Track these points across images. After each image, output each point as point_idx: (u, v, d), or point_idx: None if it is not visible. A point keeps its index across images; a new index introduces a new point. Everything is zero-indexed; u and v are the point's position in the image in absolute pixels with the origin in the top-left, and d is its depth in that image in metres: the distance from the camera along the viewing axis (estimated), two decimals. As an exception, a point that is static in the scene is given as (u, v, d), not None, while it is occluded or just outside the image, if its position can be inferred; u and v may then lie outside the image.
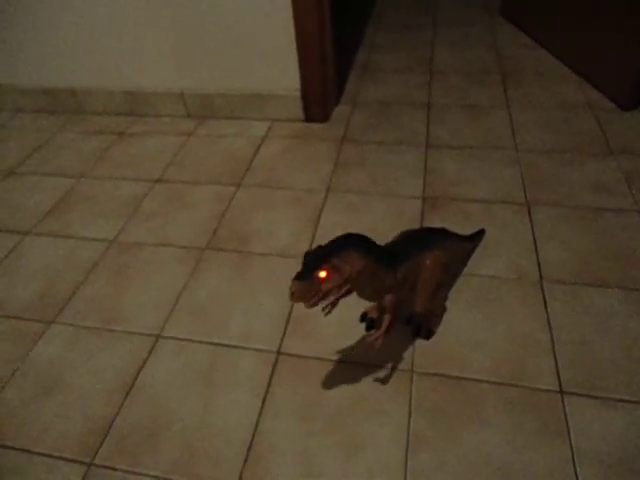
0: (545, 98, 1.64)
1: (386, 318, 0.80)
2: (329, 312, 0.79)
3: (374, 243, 0.76)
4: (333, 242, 0.71)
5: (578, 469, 0.75)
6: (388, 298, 0.78)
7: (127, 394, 0.91)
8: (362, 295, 0.77)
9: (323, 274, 0.67)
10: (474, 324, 0.97)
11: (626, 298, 0.99)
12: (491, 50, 1.97)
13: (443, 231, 0.92)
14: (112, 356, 0.97)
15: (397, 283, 0.77)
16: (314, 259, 0.68)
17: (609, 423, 0.80)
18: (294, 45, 1.48)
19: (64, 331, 1.03)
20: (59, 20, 1.57)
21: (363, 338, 0.96)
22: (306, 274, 0.66)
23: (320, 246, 0.71)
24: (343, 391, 0.88)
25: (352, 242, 0.71)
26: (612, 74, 1.57)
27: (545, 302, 1.00)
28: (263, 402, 0.88)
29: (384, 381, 0.89)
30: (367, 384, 0.89)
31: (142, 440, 0.84)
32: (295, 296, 0.66)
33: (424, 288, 0.84)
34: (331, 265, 0.68)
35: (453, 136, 1.50)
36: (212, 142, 1.58)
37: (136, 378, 0.93)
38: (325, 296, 0.68)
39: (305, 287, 0.66)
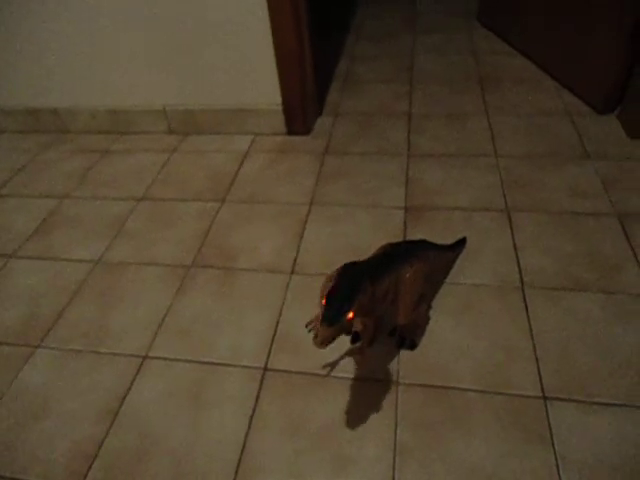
0: (523, 104, 1.66)
1: (366, 332, 0.81)
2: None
3: (359, 264, 0.77)
4: (342, 277, 0.69)
5: (562, 474, 0.76)
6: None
7: (115, 417, 0.91)
8: None
9: (350, 315, 0.66)
10: (457, 333, 0.98)
11: (606, 302, 1.01)
12: (469, 57, 2.00)
13: (423, 243, 0.94)
14: (99, 379, 0.97)
15: (377, 298, 0.78)
16: (338, 300, 0.66)
17: (591, 427, 0.82)
18: (274, 60, 1.49)
19: (50, 355, 1.03)
20: (40, 41, 1.58)
21: (348, 351, 0.97)
22: (335, 318, 0.64)
23: (336, 281, 0.69)
24: (330, 406, 0.89)
25: (362, 272, 0.71)
26: (588, 79, 1.60)
27: (527, 308, 1.01)
28: (251, 420, 0.88)
29: (370, 395, 0.89)
30: (353, 398, 0.90)
31: (130, 463, 0.84)
32: (322, 342, 0.64)
33: (405, 301, 0.85)
34: (357, 304, 0.67)
35: (434, 145, 1.52)
36: (195, 158, 1.59)
37: (123, 400, 0.93)
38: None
39: (334, 331, 0.65)
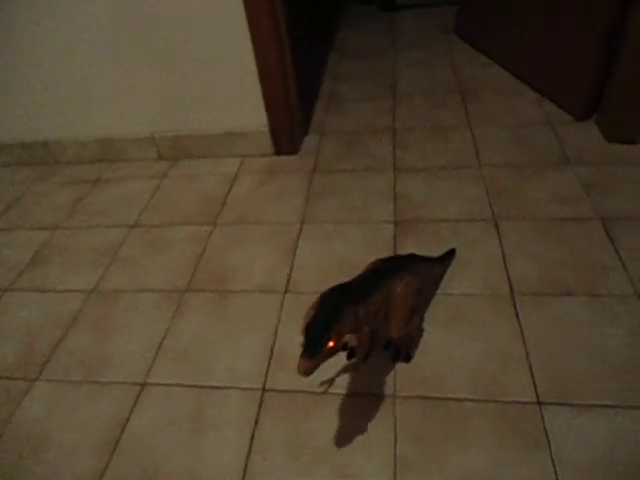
0: (504, 114, 1.71)
1: (361, 348, 0.82)
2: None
3: (347, 285, 0.79)
4: (322, 305, 0.72)
5: (560, 479, 0.78)
6: (365, 329, 0.81)
7: (115, 446, 0.91)
8: None
9: (331, 344, 0.69)
10: (451, 343, 1.00)
11: (593, 305, 1.03)
12: (450, 70, 2.04)
13: (412, 257, 0.96)
14: (98, 409, 0.98)
15: (369, 314, 0.80)
16: (316, 332, 0.68)
17: (586, 429, 0.83)
18: (258, 84, 1.52)
19: (48, 387, 1.03)
20: (29, 73, 1.60)
21: (345, 368, 0.98)
22: (314, 350, 0.67)
23: (316, 310, 0.71)
24: (329, 423, 0.90)
25: (342, 298, 0.73)
26: (565, 87, 1.65)
27: (517, 315, 1.03)
28: (251, 441, 0.89)
29: (368, 409, 0.91)
30: (352, 414, 0.91)
31: (133, 492, 0.84)
32: (304, 372, 0.67)
33: (397, 315, 0.87)
34: (335, 333, 0.69)
35: (419, 158, 1.55)
36: (185, 182, 1.61)
37: (123, 429, 0.94)
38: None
39: (315, 363, 0.68)
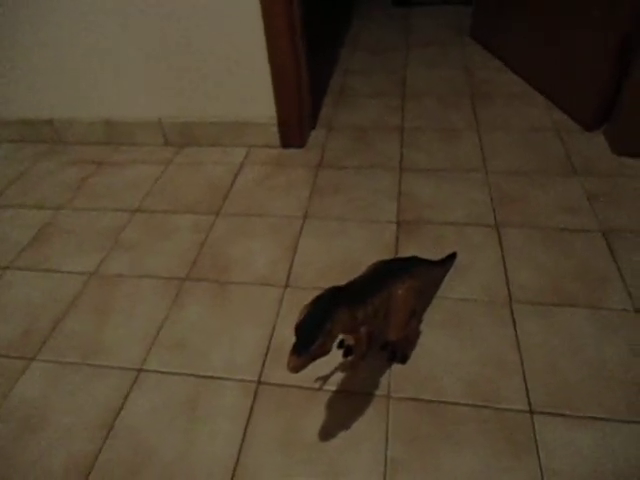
0: (513, 120, 1.70)
1: (358, 348, 0.83)
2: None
3: (345, 287, 0.80)
4: (316, 305, 0.73)
5: (547, 488, 0.79)
6: (363, 330, 0.81)
7: (109, 430, 0.92)
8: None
9: (321, 344, 0.70)
10: (447, 347, 1.01)
11: (592, 317, 1.04)
12: (462, 72, 2.03)
13: (414, 259, 0.96)
14: (94, 392, 0.98)
15: (368, 316, 0.80)
16: (308, 330, 0.70)
17: (577, 441, 0.84)
18: (269, 74, 1.52)
19: (46, 368, 1.04)
20: (36, 51, 1.59)
21: (341, 365, 0.99)
22: (303, 348, 0.69)
23: (307, 312, 0.72)
24: (323, 419, 0.90)
25: (336, 299, 0.74)
26: (576, 96, 1.64)
27: (514, 323, 1.04)
28: (245, 433, 0.89)
29: (362, 408, 0.91)
30: (346, 411, 0.91)
31: (124, 477, 0.85)
32: (293, 369, 0.69)
33: (397, 318, 0.87)
34: (326, 333, 0.70)
35: (426, 159, 1.55)
36: (191, 170, 1.61)
37: (118, 413, 0.94)
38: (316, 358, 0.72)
39: (304, 361, 0.69)
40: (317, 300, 0.74)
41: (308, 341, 0.69)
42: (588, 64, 1.55)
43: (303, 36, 1.56)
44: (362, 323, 0.80)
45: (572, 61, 1.62)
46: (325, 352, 0.71)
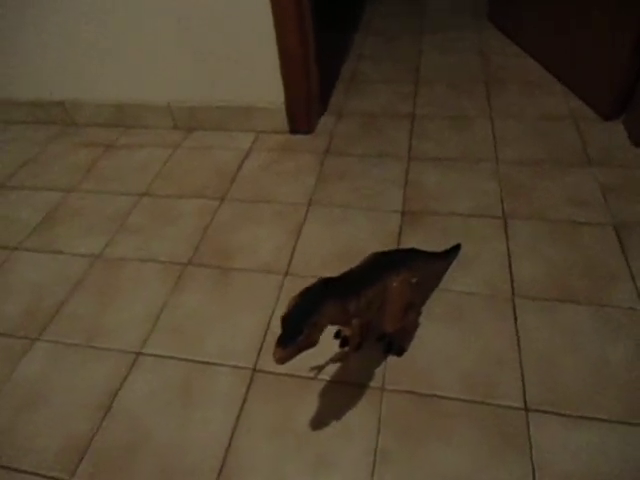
0: (528, 108, 1.65)
1: (353, 339, 0.82)
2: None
3: (337, 278, 0.79)
4: (303, 297, 0.73)
5: (538, 486, 0.78)
6: (355, 322, 0.80)
7: (107, 411, 0.94)
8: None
9: (306, 336, 0.70)
10: (446, 340, 0.99)
11: (597, 314, 1.01)
12: (477, 57, 1.98)
13: (412, 251, 0.94)
14: (93, 373, 1.00)
15: (361, 308, 0.79)
16: (294, 322, 0.70)
17: (571, 441, 0.82)
18: (277, 59, 1.50)
19: (47, 348, 1.06)
20: (48, 34, 1.60)
21: (336, 355, 0.99)
22: (288, 340, 0.69)
23: (293, 304, 0.72)
24: (315, 408, 0.91)
25: (324, 292, 0.74)
26: (595, 83, 1.58)
27: (515, 319, 1.02)
28: (237, 419, 0.90)
29: (355, 399, 0.91)
30: (339, 401, 0.91)
31: (119, 458, 0.86)
32: (279, 361, 0.69)
33: (392, 310, 0.86)
34: (312, 325, 0.70)
35: (435, 148, 1.52)
36: (198, 154, 1.60)
37: (116, 395, 0.96)
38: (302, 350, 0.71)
39: (289, 353, 0.69)
40: (306, 292, 0.73)
41: (294, 333, 0.69)
42: (607, 51, 1.48)
43: (312, 20, 1.53)
44: (354, 315, 0.79)
45: (592, 49, 1.56)
46: (312, 344, 0.71)
